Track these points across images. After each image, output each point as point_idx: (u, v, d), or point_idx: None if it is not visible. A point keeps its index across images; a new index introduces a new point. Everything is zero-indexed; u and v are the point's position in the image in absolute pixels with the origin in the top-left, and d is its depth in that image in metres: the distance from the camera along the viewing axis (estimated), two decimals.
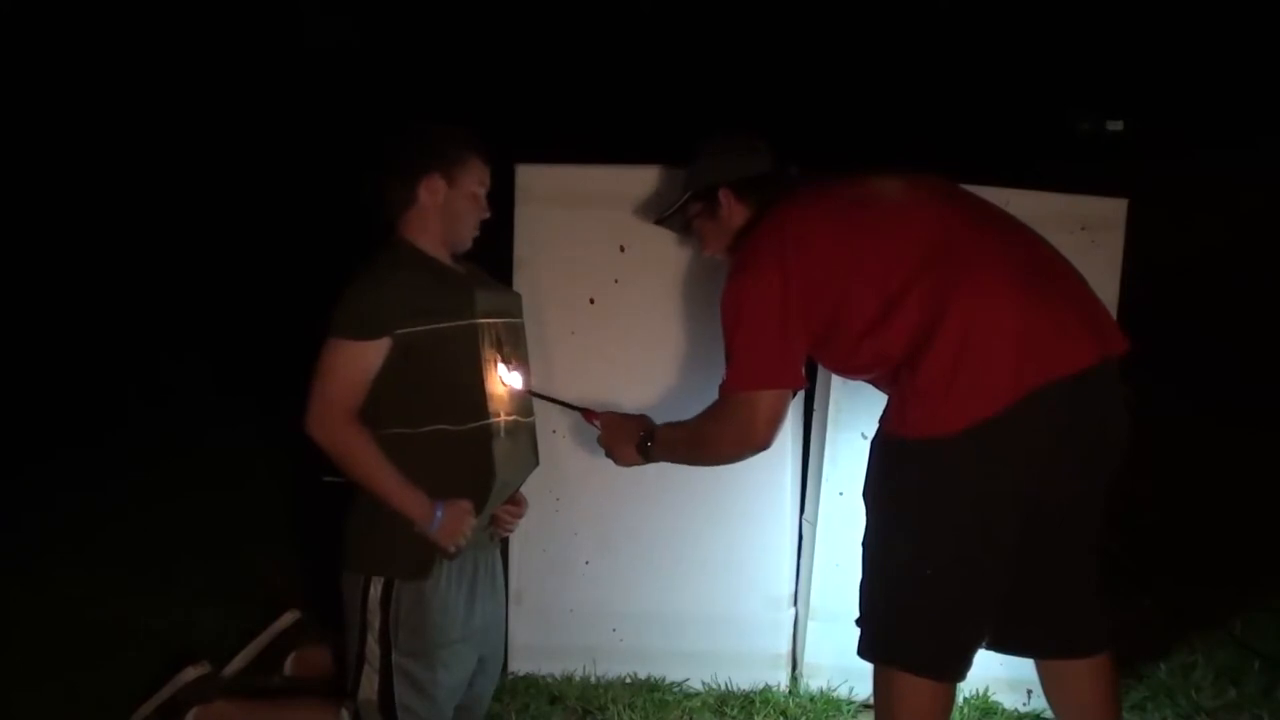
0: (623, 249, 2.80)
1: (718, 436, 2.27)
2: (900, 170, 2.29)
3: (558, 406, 2.57)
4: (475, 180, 2.37)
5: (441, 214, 2.35)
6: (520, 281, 2.77)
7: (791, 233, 2.18)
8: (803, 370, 2.22)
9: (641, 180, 2.77)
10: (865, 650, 2.20)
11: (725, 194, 2.36)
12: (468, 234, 2.40)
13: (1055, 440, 2.03)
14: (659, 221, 2.54)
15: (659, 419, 2.43)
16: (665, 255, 2.77)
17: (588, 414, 2.49)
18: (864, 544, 2.21)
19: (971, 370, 2.00)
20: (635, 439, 2.39)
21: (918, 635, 2.11)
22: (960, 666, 2.15)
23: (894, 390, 2.15)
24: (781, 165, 2.43)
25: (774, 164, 2.41)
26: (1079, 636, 2.22)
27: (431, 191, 2.33)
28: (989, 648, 2.23)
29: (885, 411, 2.17)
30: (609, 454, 2.45)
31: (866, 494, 2.22)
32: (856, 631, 2.22)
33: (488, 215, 2.43)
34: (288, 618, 2.84)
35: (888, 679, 2.14)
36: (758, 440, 2.21)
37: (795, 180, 2.41)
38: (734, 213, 2.36)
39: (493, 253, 2.57)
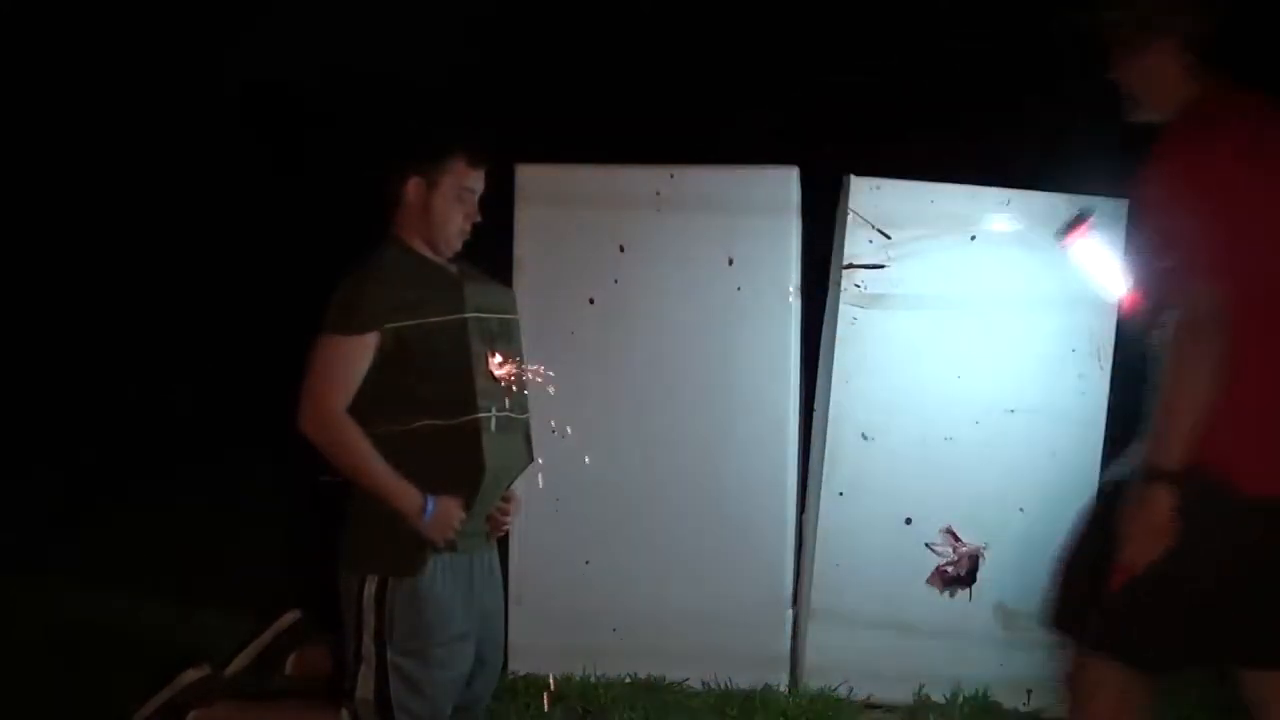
0: (623, 249, 2.80)
1: (1197, 355, 1.81)
2: None
3: None
4: (457, 183, 2.34)
5: (423, 215, 2.34)
6: (520, 281, 2.77)
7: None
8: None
9: (641, 180, 2.77)
10: (1090, 641, 1.95)
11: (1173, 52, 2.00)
12: (453, 236, 2.36)
13: None
14: (1114, 71, 2.12)
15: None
16: (665, 255, 2.78)
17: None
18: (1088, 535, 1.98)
19: None
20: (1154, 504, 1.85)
21: (1154, 634, 1.90)
22: (1180, 664, 2.01)
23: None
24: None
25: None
26: None
27: (414, 192, 2.33)
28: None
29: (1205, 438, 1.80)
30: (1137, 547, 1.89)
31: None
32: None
33: (477, 219, 2.39)
34: (288, 618, 2.83)
35: (1095, 668, 1.94)
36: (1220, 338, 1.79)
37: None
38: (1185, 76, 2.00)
39: (493, 253, 2.57)
